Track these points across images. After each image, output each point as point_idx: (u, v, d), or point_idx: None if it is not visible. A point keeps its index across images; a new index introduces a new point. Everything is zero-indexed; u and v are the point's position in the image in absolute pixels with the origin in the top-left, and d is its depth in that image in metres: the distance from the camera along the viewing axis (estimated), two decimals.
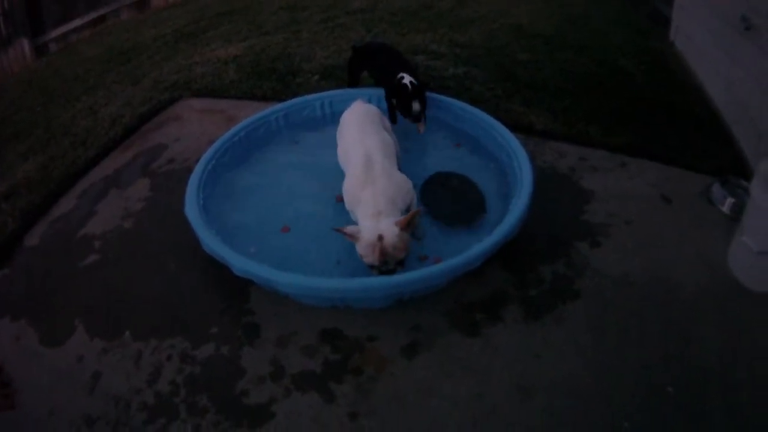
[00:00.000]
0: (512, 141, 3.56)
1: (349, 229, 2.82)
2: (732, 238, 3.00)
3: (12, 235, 3.67)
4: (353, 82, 4.69)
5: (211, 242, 3.01)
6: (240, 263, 2.86)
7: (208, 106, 4.97)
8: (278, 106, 4.25)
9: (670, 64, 5.32)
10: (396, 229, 2.77)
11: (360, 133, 3.27)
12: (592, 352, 2.66)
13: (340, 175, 3.25)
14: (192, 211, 3.22)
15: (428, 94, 3.94)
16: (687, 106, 4.40)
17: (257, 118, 4.12)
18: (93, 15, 8.76)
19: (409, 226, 2.81)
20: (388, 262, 2.79)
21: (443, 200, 3.36)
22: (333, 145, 3.44)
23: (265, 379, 2.65)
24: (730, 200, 3.25)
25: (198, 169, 3.58)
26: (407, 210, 3.06)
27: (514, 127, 3.76)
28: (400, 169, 3.26)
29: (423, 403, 2.50)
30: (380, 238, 2.74)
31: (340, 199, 3.25)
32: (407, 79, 3.77)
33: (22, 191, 4.09)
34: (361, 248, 2.81)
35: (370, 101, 3.87)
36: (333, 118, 3.91)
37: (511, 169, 3.44)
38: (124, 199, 3.91)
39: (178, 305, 3.08)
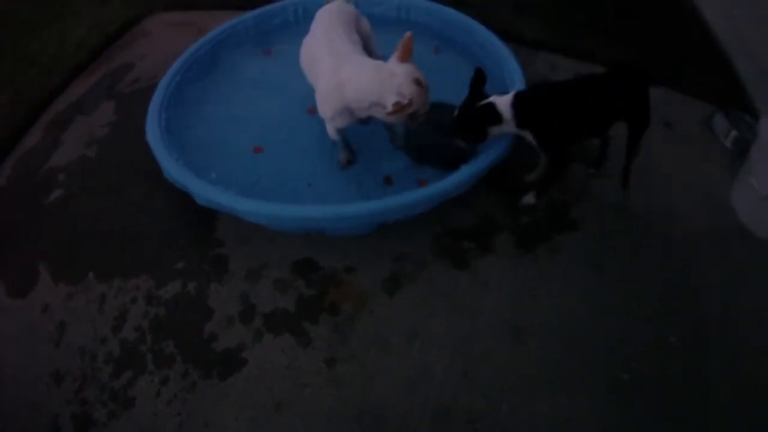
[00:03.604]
0: (501, 48, 3.04)
1: (392, 102, 2.15)
2: (734, 174, 2.63)
3: None
4: None
5: (172, 170, 2.57)
6: (203, 191, 2.46)
7: (178, 19, 4.31)
8: (248, 14, 3.63)
9: None
10: (411, 66, 2.26)
11: (327, 34, 2.58)
12: (590, 291, 2.31)
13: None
14: (153, 136, 2.74)
15: None
16: (681, 26, 3.80)
17: (224, 29, 3.51)
18: None
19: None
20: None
21: (427, 139, 2.74)
22: None
23: (234, 320, 2.31)
24: (733, 133, 2.87)
25: (160, 88, 3.06)
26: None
27: (502, 35, 3.19)
28: None
29: (406, 347, 2.17)
30: (418, 82, 2.22)
31: (311, 112, 2.74)
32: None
33: None
34: (416, 103, 2.21)
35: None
36: (309, 25, 3.28)
37: (501, 80, 2.90)
38: (89, 126, 3.39)
39: (143, 239, 2.68)
